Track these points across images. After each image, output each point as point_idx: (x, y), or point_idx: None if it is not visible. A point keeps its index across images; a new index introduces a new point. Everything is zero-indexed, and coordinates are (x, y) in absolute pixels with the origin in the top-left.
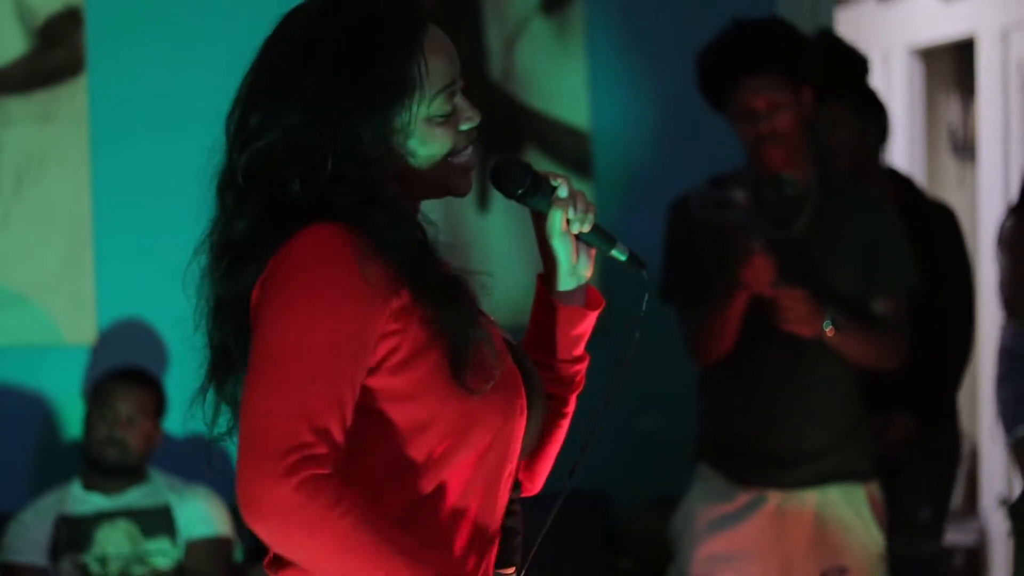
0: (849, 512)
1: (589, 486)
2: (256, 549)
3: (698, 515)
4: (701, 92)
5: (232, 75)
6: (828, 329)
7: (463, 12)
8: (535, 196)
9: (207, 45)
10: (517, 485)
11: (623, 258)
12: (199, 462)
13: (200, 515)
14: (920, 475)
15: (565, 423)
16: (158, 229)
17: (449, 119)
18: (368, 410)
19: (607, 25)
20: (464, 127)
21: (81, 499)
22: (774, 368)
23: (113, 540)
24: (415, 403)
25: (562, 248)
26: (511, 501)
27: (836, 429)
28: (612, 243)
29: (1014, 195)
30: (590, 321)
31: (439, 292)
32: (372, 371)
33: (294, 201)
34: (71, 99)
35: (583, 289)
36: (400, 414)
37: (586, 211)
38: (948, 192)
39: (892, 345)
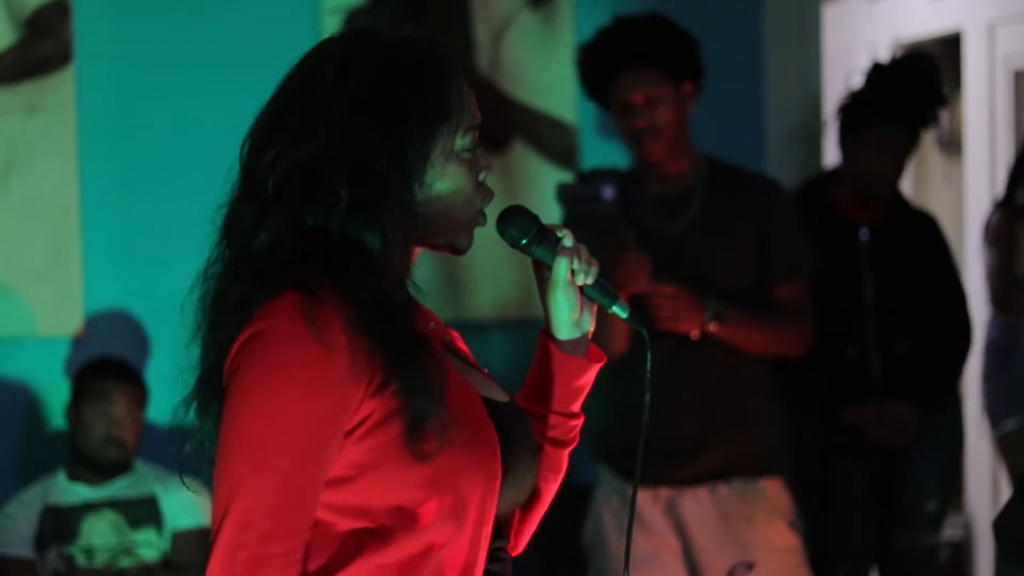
0: (744, 506)
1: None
2: None
3: (606, 520)
4: (583, 87)
5: (219, 68)
6: (711, 324)
7: (451, 4)
8: (540, 246)
9: (194, 37)
10: (503, 533)
11: (624, 315)
12: (183, 452)
13: (186, 506)
14: (925, 467)
15: (554, 484)
16: (145, 221)
17: (471, 160)
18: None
19: (594, 18)
20: (482, 176)
21: (67, 490)
22: (661, 363)
23: (99, 531)
24: (375, 472)
25: (565, 299)
26: (498, 549)
27: (727, 423)
28: (614, 299)
29: (1000, 190)
30: (590, 375)
31: (405, 358)
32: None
33: (304, 231)
34: (58, 90)
35: (585, 342)
36: (360, 485)
37: (590, 264)
38: (934, 187)
39: (792, 331)
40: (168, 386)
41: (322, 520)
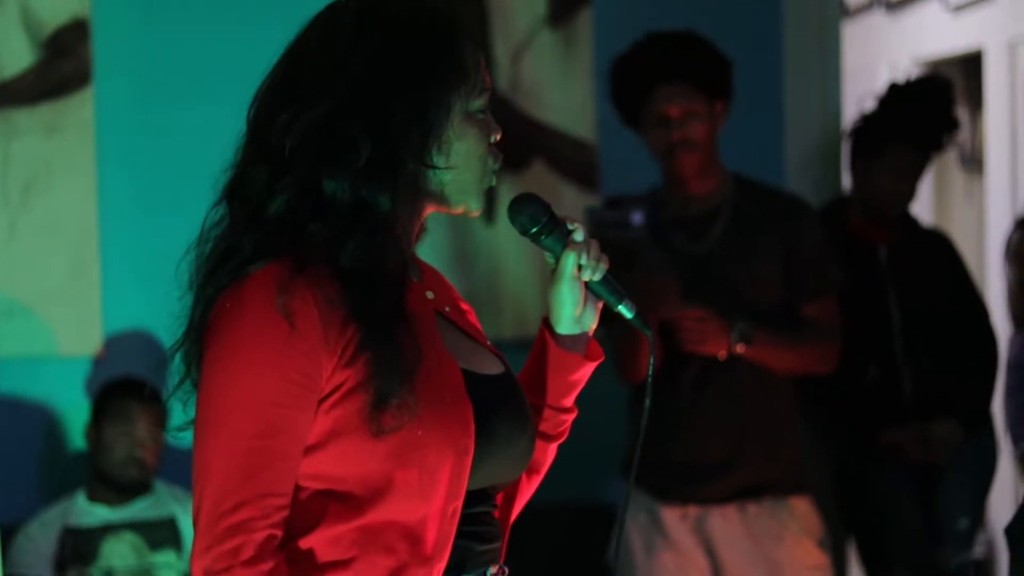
0: (774, 524)
1: (592, 500)
2: None
3: (632, 537)
4: (615, 104)
5: (238, 85)
6: (738, 346)
7: (470, 23)
8: (550, 236)
9: (213, 56)
10: (490, 500)
11: (630, 315)
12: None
13: None
14: (958, 485)
15: (536, 477)
16: (164, 240)
17: (483, 121)
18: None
19: (614, 37)
20: (493, 138)
21: (86, 511)
22: (690, 383)
23: (119, 553)
24: (342, 441)
25: (570, 293)
26: (482, 514)
27: (756, 441)
28: (621, 298)
29: (1022, 208)
30: (586, 371)
31: (380, 335)
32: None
33: (320, 194)
34: (78, 110)
35: (585, 339)
36: (328, 453)
37: (598, 260)
38: (956, 205)
39: (820, 349)
40: (187, 406)
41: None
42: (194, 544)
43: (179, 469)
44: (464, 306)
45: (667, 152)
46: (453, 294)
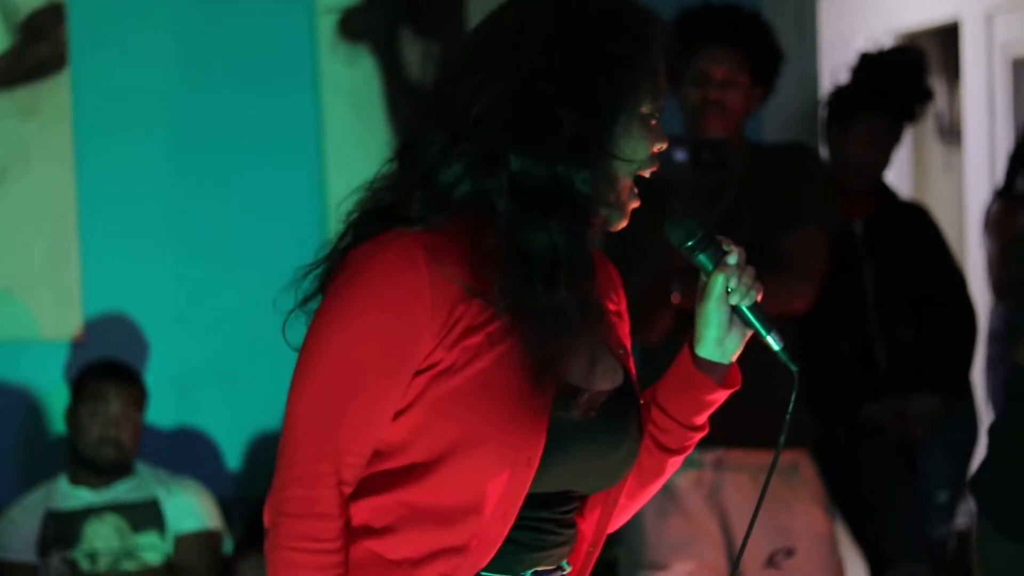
0: (787, 493)
1: None
2: (246, 540)
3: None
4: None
5: (214, 69)
6: (673, 296)
7: (448, 14)
8: (703, 253)
9: (189, 39)
10: (568, 499)
11: (777, 347)
12: (185, 455)
13: (188, 508)
14: (939, 457)
15: (652, 485)
16: (143, 223)
17: (656, 127)
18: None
19: None
20: (657, 148)
21: (68, 494)
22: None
23: (102, 535)
24: (418, 411)
25: (715, 315)
26: (552, 521)
27: (766, 395)
28: (769, 328)
29: (1000, 179)
30: (720, 396)
31: (531, 318)
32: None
33: (503, 167)
34: (54, 94)
35: (724, 366)
36: (406, 420)
37: (750, 287)
38: (935, 177)
39: (780, 286)
40: (167, 388)
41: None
42: (273, 481)
43: (161, 451)
44: (613, 307)
45: (698, 109)
46: (607, 290)
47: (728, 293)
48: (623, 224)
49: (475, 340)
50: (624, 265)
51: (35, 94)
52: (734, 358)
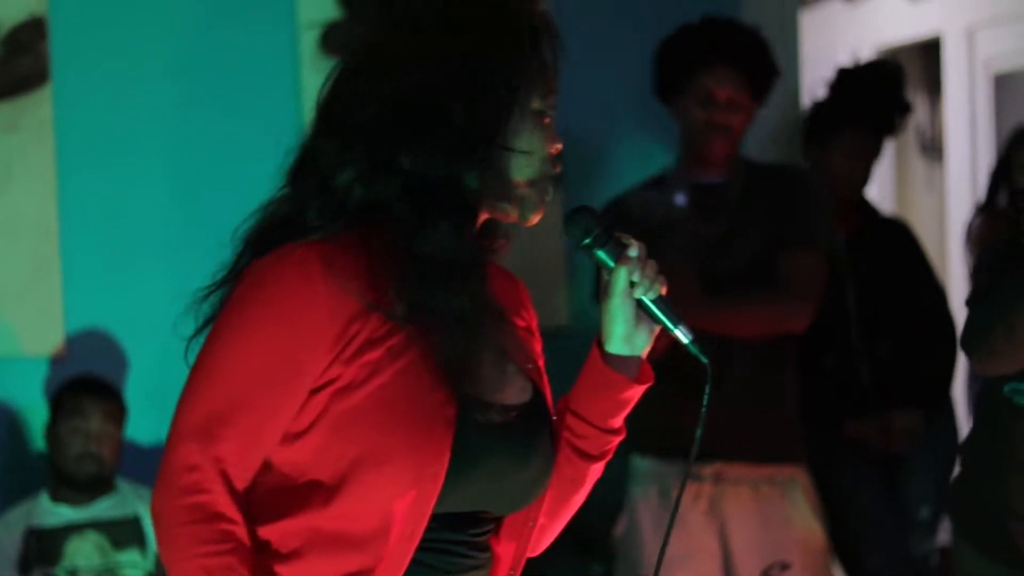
0: (786, 506)
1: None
2: None
3: (642, 519)
4: (658, 67)
5: (196, 84)
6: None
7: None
8: (603, 249)
9: (172, 54)
10: (481, 522)
11: (686, 340)
12: None
13: None
14: (921, 474)
15: (576, 496)
16: (125, 238)
17: (549, 125)
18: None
19: (573, 32)
20: (555, 148)
21: (50, 511)
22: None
23: (83, 552)
24: (319, 433)
25: (621, 311)
26: (463, 543)
27: (766, 410)
28: (676, 321)
29: (982, 194)
30: (634, 394)
31: (430, 325)
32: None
33: (395, 169)
34: (36, 109)
35: (636, 360)
36: (308, 441)
37: (654, 280)
38: (916, 192)
39: (777, 307)
40: (147, 405)
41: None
42: (155, 489)
43: (141, 467)
44: (522, 322)
45: (702, 131)
46: (514, 305)
47: (632, 287)
48: (535, 220)
49: (375, 355)
50: None
51: (17, 109)
52: (644, 353)
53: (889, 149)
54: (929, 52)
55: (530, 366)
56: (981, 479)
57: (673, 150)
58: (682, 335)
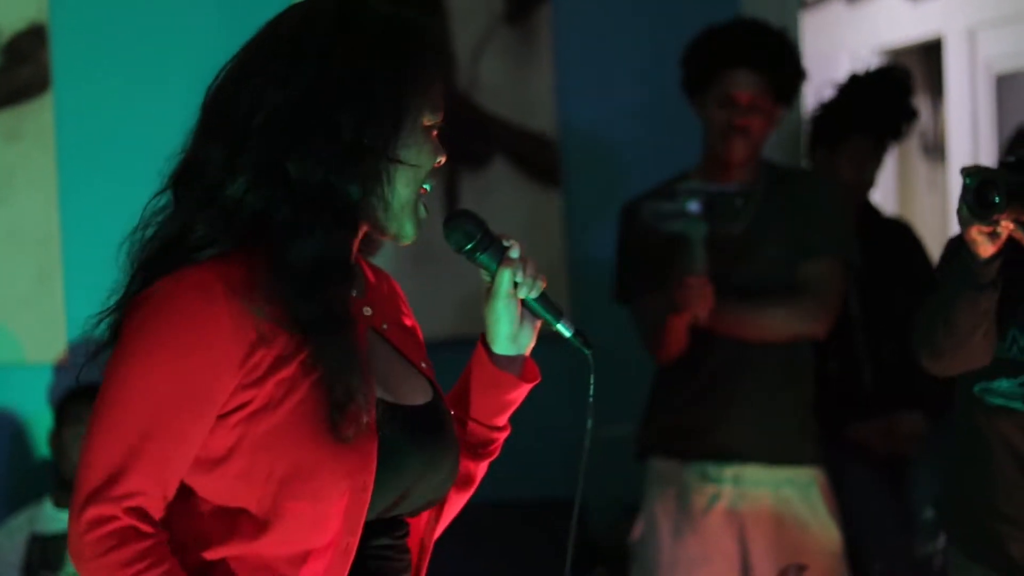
0: (804, 509)
1: (562, 494)
2: None
3: (660, 524)
4: (691, 65)
5: (198, 91)
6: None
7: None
8: (484, 253)
9: (173, 62)
10: (401, 524)
11: (568, 334)
12: None
13: None
14: (924, 475)
15: (463, 494)
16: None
17: (435, 140)
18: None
19: (573, 33)
20: (439, 161)
21: (53, 517)
22: (725, 358)
23: None
24: (241, 458)
25: (505, 311)
26: (387, 547)
27: (785, 412)
28: (558, 316)
29: None
30: (521, 392)
31: (335, 334)
32: (223, 417)
33: (284, 178)
34: (37, 117)
35: (520, 359)
36: (231, 467)
37: (535, 278)
38: (919, 193)
39: (799, 313)
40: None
41: (194, 496)
42: (70, 521)
43: None
44: (408, 322)
45: (723, 133)
46: (399, 308)
47: (516, 287)
48: (413, 238)
49: (288, 372)
50: (643, 295)
51: (18, 117)
52: (528, 351)
53: (891, 150)
54: (930, 53)
55: (424, 364)
56: (964, 483)
57: (673, 151)
58: (564, 329)
